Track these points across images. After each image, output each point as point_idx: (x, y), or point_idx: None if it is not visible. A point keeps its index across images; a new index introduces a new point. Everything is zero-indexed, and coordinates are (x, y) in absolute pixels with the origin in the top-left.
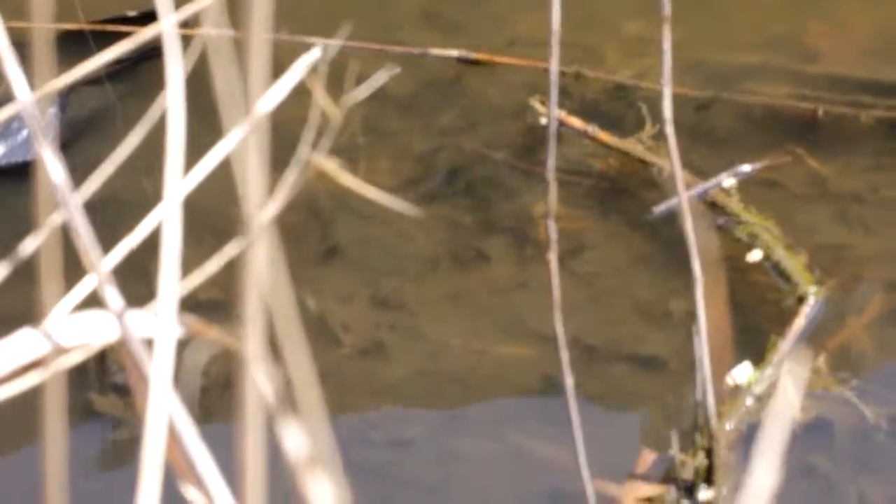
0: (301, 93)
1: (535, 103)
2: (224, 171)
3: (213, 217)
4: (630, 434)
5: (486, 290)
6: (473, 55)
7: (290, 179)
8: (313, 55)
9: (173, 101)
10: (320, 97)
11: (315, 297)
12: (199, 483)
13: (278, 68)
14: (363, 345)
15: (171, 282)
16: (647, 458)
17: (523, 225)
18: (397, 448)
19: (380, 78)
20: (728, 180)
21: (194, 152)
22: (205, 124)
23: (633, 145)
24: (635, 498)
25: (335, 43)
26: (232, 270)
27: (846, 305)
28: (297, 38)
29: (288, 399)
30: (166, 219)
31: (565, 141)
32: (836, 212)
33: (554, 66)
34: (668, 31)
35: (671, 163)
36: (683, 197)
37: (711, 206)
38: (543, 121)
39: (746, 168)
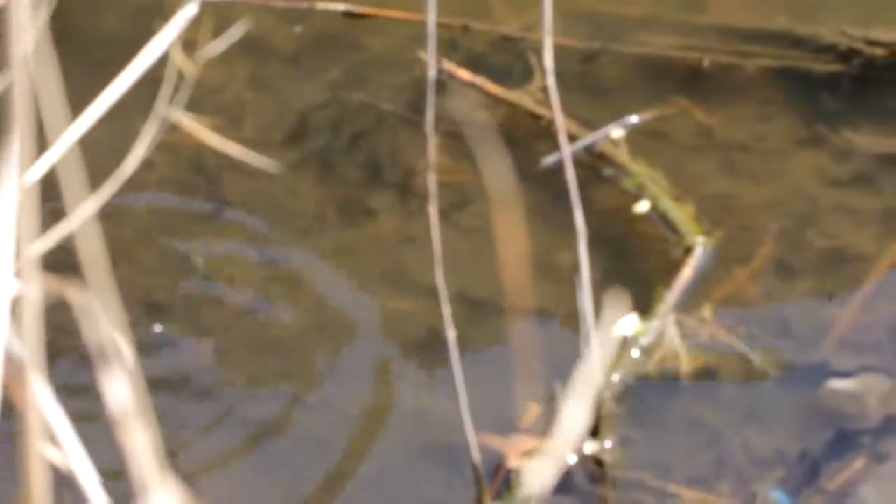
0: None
1: (423, 55)
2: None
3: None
4: (515, 387)
5: (372, 244)
6: (360, 9)
7: (148, 135)
8: (191, 9)
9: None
10: (176, 53)
11: (202, 253)
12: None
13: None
14: (250, 300)
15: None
16: (533, 410)
17: (409, 179)
18: (285, 403)
19: (235, 33)
20: (616, 131)
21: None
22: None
23: (521, 97)
24: (520, 451)
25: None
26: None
27: (733, 255)
28: None
29: (112, 351)
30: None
31: (453, 94)
32: (722, 162)
33: (431, 18)
34: None
35: (555, 114)
36: (565, 148)
37: (599, 157)
38: (431, 73)
39: (634, 119)
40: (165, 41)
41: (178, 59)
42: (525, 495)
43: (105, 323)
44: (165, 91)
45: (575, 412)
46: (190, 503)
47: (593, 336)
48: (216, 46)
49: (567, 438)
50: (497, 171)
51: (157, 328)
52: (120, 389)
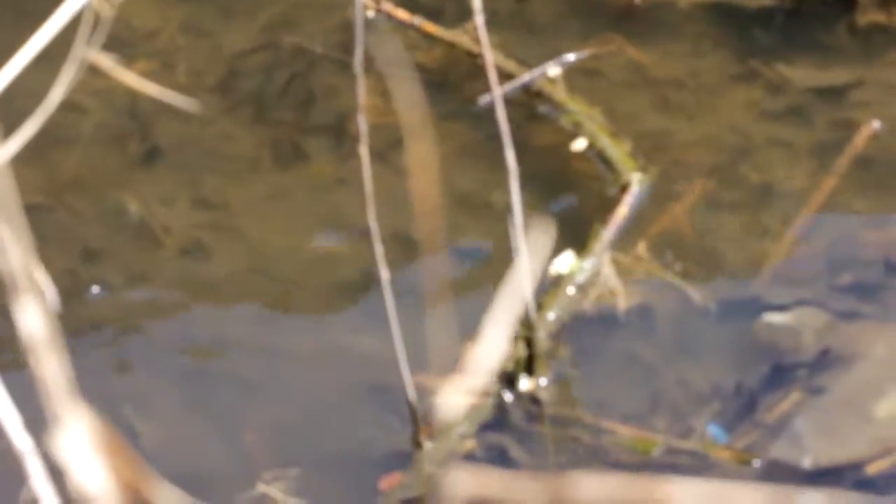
0: None
1: None
2: None
3: None
4: (451, 326)
5: (305, 187)
6: None
7: (66, 76)
8: None
9: None
10: None
11: (136, 199)
12: None
13: None
14: (184, 245)
15: None
16: (470, 350)
17: (343, 121)
18: (219, 346)
19: None
20: (553, 70)
21: None
22: None
23: (458, 36)
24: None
25: None
26: None
27: (667, 192)
28: None
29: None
30: None
31: (386, 35)
32: (656, 99)
33: None
34: None
35: (485, 52)
36: (496, 88)
37: (537, 95)
38: (370, 14)
39: (571, 57)
40: None
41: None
42: (459, 432)
43: (18, 253)
44: (83, 32)
45: (495, 333)
46: (102, 432)
47: (521, 262)
48: None
49: (488, 360)
50: (414, 109)
51: (95, 289)
52: (32, 318)
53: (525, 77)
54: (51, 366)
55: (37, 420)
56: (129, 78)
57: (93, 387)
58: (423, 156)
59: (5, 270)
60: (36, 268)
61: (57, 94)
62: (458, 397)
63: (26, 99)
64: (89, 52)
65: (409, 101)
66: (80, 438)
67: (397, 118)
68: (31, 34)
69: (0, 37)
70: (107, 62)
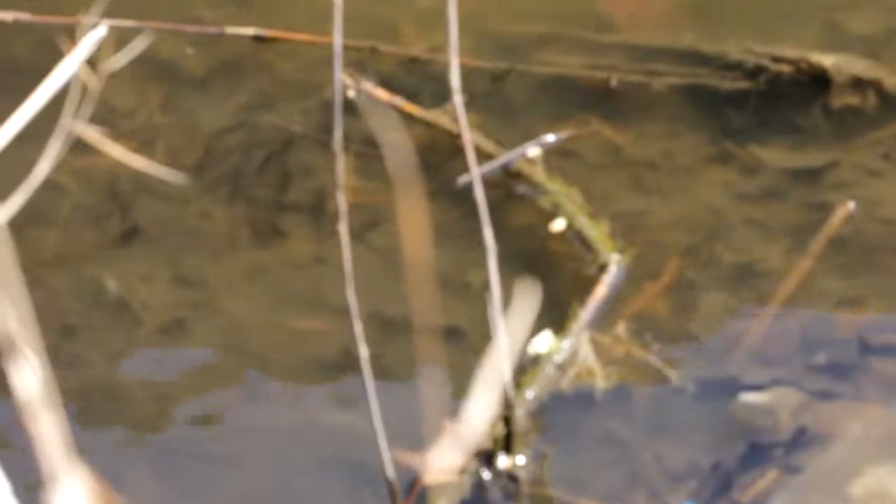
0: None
1: (344, 77)
2: None
3: None
4: (429, 404)
5: (284, 265)
6: (268, 32)
7: (52, 150)
8: (100, 32)
9: None
10: (81, 68)
11: (116, 278)
12: None
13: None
14: (164, 323)
15: None
16: (447, 427)
17: (321, 200)
18: (199, 424)
19: (137, 46)
20: (532, 150)
21: None
22: None
23: (438, 116)
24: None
25: (128, 24)
26: None
27: (643, 272)
28: (89, 19)
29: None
30: None
31: (364, 115)
32: (631, 179)
33: (338, 39)
34: (454, 2)
35: (463, 133)
36: (475, 168)
37: (516, 175)
38: (351, 93)
39: (550, 138)
40: (74, 62)
41: (83, 73)
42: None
43: (12, 318)
44: (70, 106)
45: (481, 399)
46: (97, 491)
47: (503, 353)
48: (118, 60)
49: (474, 424)
50: (406, 189)
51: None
52: (28, 378)
53: (504, 157)
54: (47, 425)
55: (32, 482)
56: (116, 150)
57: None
58: (415, 231)
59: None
60: (30, 331)
61: (43, 169)
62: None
63: (6, 174)
64: (76, 126)
65: (399, 177)
66: (77, 496)
67: (374, 199)
68: (10, 113)
69: None
70: (94, 135)
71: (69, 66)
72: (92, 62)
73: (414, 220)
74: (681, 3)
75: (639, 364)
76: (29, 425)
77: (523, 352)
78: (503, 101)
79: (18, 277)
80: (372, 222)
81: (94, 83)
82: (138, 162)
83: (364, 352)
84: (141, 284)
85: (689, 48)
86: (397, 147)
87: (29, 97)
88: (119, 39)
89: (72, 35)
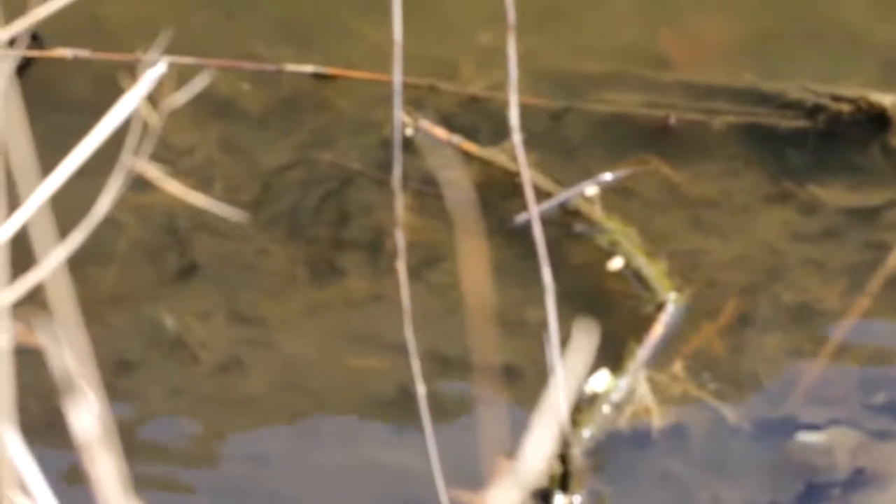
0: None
1: (402, 115)
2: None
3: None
4: (486, 442)
5: (341, 303)
6: (328, 70)
7: (114, 186)
8: (159, 70)
9: None
10: (141, 105)
11: (173, 314)
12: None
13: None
14: (221, 361)
15: None
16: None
17: (379, 238)
18: (255, 462)
19: (197, 84)
20: (590, 189)
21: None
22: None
23: (495, 155)
24: None
25: (187, 61)
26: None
27: (701, 311)
28: (149, 56)
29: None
30: None
31: (423, 153)
32: (690, 218)
33: (398, 77)
34: (514, 40)
35: (522, 171)
36: (533, 206)
37: (573, 214)
38: (408, 131)
39: (608, 176)
40: (134, 99)
41: (144, 110)
42: None
43: (71, 359)
44: (131, 143)
45: (540, 437)
46: None
47: (561, 391)
48: (179, 98)
49: (532, 463)
50: (466, 228)
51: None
52: (86, 418)
53: (563, 195)
54: (104, 464)
55: None
56: (175, 187)
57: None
58: (473, 269)
59: (60, 371)
60: (88, 370)
61: (103, 207)
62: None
63: (66, 212)
64: (136, 163)
65: (461, 216)
66: None
67: (432, 236)
68: (70, 149)
69: (41, 152)
70: (154, 172)
71: (129, 103)
72: (152, 99)
73: (472, 257)
74: (740, 41)
75: (696, 403)
76: (87, 464)
77: (580, 390)
78: (561, 139)
79: (76, 315)
80: (429, 260)
81: (155, 120)
82: (197, 199)
83: (421, 390)
84: (198, 322)
85: (748, 87)
86: (455, 185)
87: (88, 134)
88: (178, 76)
89: (132, 72)
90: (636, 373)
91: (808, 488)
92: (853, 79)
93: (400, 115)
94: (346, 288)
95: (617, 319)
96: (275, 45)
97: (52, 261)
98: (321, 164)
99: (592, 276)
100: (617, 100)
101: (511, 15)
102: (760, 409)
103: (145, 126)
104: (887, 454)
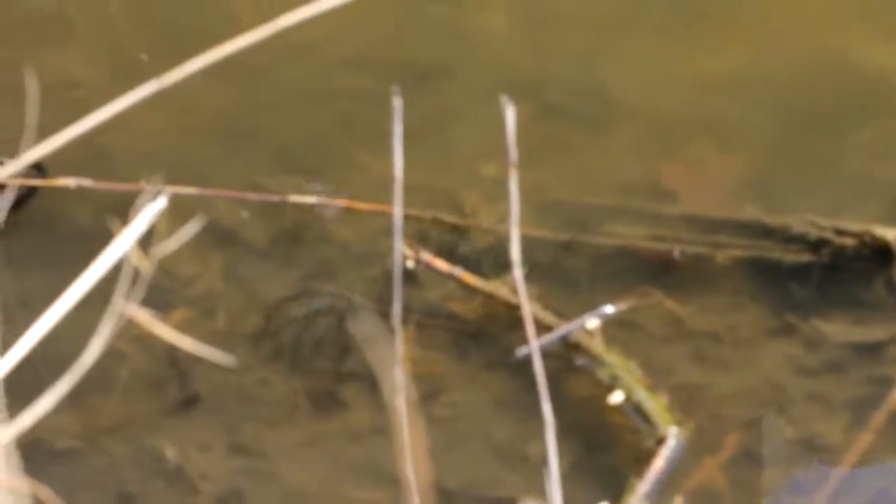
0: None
1: (403, 247)
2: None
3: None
4: None
5: (342, 435)
6: (331, 201)
7: (105, 330)
8: (160, 202)
9: None
10: (132, 250)
11: (174, 446)
12: None
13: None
14: (220, 492)
15: None
16: None
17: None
18: None
19: (190, 229)
20: (591, 322)
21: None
22: None
23: (497, 288)
24: None
25: (190, 191)
26: None
27: (703, 445)
28: (152, 186)
29: None
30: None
31: (426, 285)
32: (693, 351)
33: (398, 210)
34: (515, 175)
35: (523, 305)
36: (534, 340)
37: (575, 347)
38: (410, 263)
39: (610, 309)
40: (132, 235)
41: (135, 255)
42: None
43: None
44: (122, 287)
45: None
46: None
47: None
48: (173, 242)
49: None
50: (391, 395)
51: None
52: None
53: (563, 329)
54: None
55: None
56: (166, 331)
57: None
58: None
59: None
60: None
61: (96, 347)
62: None
63: (65, 344)
64: (127, 307)
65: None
66: None
67: (434, 369)
68: (71, 280)
69: (38, 284)
70: (144, 316)
71: (119, 249)
72: (151, 235)
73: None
74: (743, 175)
75: None
76: None
77: None
78: (565, 271)
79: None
80: (431, 392)
81: (146, 266)
82: (188, 342)
83: None
84: (198, 453)
85: (752, 220)
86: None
87: (86, 270)
88: (180, 205)
89: (134, 203)
90: None
91: None
92: (857, 213)
93: (401, 249)
94: (347, 420)
95: (618, 453)
96: (278, 175)
97: (53, 396)
98: (323, 296)
99: (593, 410)
100: (621, 233)
101: (513, 151)
102: None
103: (136, 270)
104: None
